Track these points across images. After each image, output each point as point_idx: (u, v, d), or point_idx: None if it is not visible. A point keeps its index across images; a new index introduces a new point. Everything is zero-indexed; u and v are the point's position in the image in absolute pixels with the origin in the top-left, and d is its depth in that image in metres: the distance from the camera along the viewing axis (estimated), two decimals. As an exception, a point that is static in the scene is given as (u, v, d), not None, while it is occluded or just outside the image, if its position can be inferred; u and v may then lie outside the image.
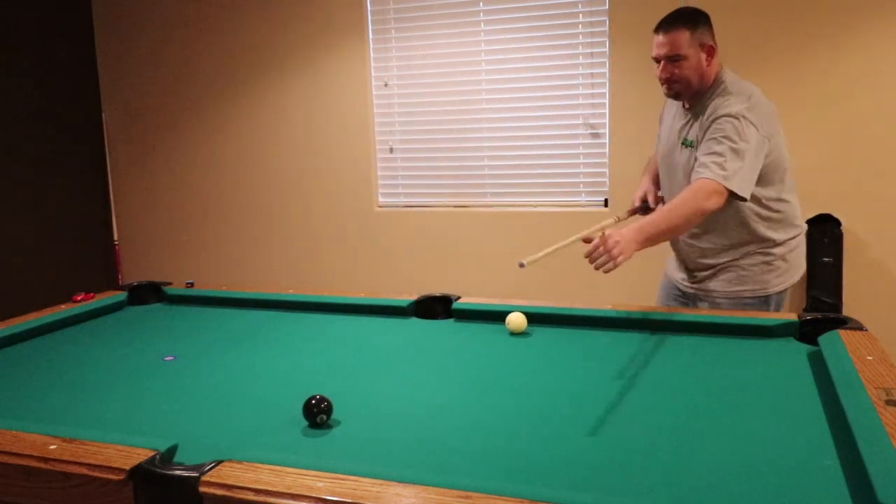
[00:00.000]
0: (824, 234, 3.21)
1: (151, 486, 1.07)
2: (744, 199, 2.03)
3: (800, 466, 1.11)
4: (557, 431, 1.27)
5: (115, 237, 4.47)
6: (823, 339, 1.65)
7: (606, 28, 3.42)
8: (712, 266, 2.25)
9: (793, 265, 2.24)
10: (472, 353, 1.76)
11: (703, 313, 1.93)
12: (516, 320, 1.90)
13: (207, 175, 4.29)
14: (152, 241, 4.48)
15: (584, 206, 3.62)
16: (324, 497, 0.98)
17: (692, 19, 2.12)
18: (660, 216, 2.01)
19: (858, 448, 1.08)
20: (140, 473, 1.07)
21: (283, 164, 4.11)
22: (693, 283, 2.31)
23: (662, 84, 2.18)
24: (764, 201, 2.14)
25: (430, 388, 1.52)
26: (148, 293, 2.38)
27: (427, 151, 3.85)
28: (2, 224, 3.91)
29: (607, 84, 3.46)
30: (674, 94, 2.19)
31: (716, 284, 2.24)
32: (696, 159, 2.11)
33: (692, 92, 2.16)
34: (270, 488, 1.01)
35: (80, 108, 4.33)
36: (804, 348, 1.70)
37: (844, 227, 3.21)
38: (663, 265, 2.49)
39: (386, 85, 3.86)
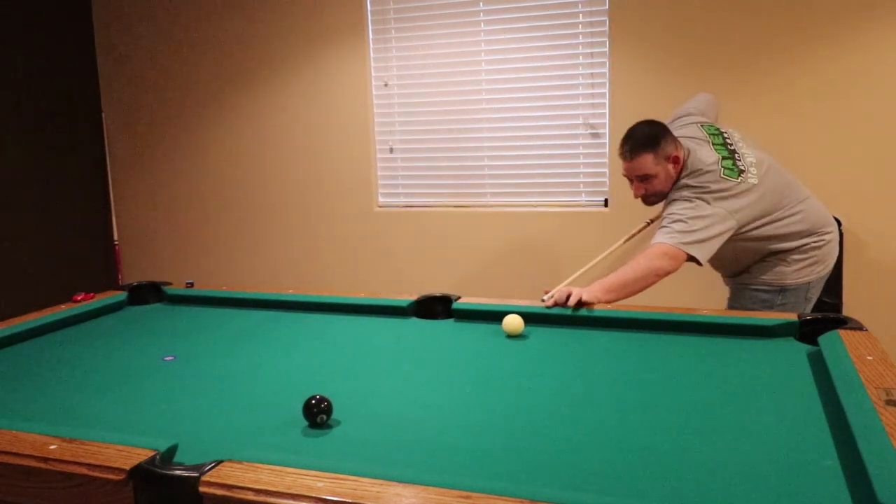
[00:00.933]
0: (824, 234, 3.21)
1: (151, 486, 1.07)
2: (699, 263, 2.18)
3: (800, 466, 1.11)
4: (557, 431, 1.28)
5: (115, 237, 4.47)
6: (823, 339, 1.65)
7: (606, 28, 3.42)
8: (738, 272, 2.43)
9: (818, 260, 2.33)
10: (472, 353, 1.76)
11: (703, 313, 1.93)
12: (513, 322, 1.88)
13: (207, 175, 4.29)
14: (152, 241, 4.48)
15: (584, 206, 3.62)
16: (324, 497, 0.98)
17: (652, 141, 2.24)
18: (615, 276, 2.16)
19: (858, 448, 1.08)
20: (140, 473, 1.07)
21: (283, 163, 4.11)
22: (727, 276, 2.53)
23: (637, 197, 2.35)
24: (760, 237, 2.27)
25: (430, 388, 1.52)
26: (148, 293, 2.38)
27: (427, 151, 3.85)
28: (2, 224, 3.91)
29: (607, 84, 3.46)
30: (650, 204, 2.37)
31: (738, 279, 2.42)
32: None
33: (666, 194, 2.31)
34: (270, 488, 1.01)
35: (80, 108, 4.34)
36: (804, 348, 1.70)
37: (844, 227, 3.21)
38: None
39: (386, 85, 3.86)
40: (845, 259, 3.22)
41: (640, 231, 2.54)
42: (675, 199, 2.23)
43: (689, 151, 2.28)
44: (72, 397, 1.51)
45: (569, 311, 1.99)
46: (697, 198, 2.19)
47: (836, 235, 2.38)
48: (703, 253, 2.15)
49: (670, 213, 2.20)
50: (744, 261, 2.35)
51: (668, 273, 2.14)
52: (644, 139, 2.24)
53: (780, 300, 2.29)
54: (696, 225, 2.14)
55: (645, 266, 2.12)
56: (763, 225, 2.24)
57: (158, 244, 4.47)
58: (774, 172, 2.29)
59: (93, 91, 4.40)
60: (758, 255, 2.31)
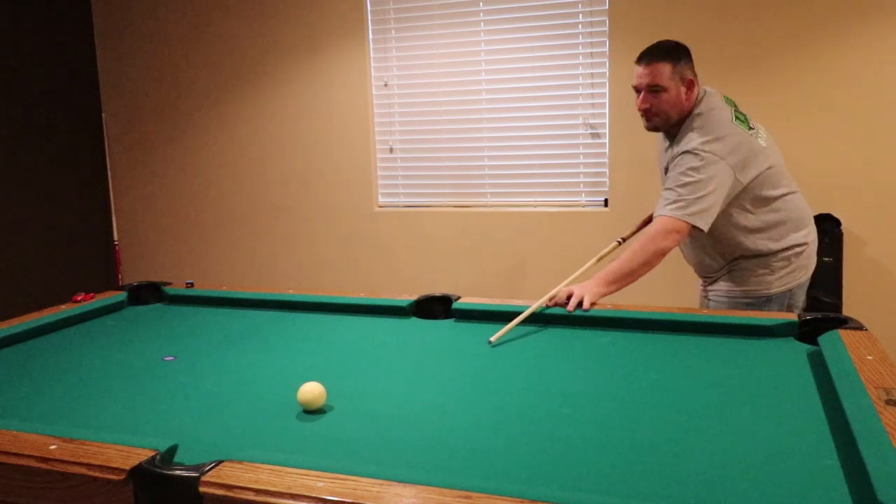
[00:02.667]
0: (824, 234, 3.20)
1: (151, 486, 1.07)
2: (702, 231, 2.11)
3: (800, 466, 1.11)
4: (557, 431, 1.27)
5: (115, 237, 4.47)
6: (823, 339, 1.65)
7: (606, 28, 3.43)
8: (715, 270, 2.33)
9: (798, 266, 2.27)
10: (472, 353, 1.76)
11: (703, 313, 1.93)
12: (308, 395, 1.39)
13: (207, 175, 4.29)
14: (152, 241, 4.48)
15: (584, 206, 3.62)
16: (324, 497, 0.98)
17: (675, 53, 2.17)
18: (619, 263, 2.11)
19: (858, 448, 1.08)
20: (140, 473, 1.07)
21: (283, 163, 4.11)
22: (704, 286, 2.41)
23: (642, 116, 2.24)
24: (746, 221, 2.19)
25: (430, 388, 1.52)
26: (148, 293, 2.38)
27: (427, 151, 3.85)
28: (2, 224, 3.91)
29: (607, 84, 3.46)
30: (651, 127, 2.25)
31: (718, 286, 2.32)
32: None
33: (670, 124, 2.23)
34: (270, 488, 1.01)
35: (80, 108, 4.34)
36: (804, 348, 1.70)
37: (844, 227, 3.21)
38: (664, 269, 2.51)
39: (386, 85, 3.86)
40: (845, 259, 3.23)
41: (610, 252, 2.40)
42: (685, 152, 2.13)
43: (704, 92, 2.22)
44: (72, 397, 1.51)
45: (568, 311, 1.99)
46: (707, 151, 2.10)
47: (815, 237, 2.33)
48: (707, 221, 2.09)
49: (678, 170, 2.12)
50: (729, 252, 2.26)
51: (672, 249, 2.11)
52: (666, 49, 2.17)
53: (765, 310, 2.24)
54: (702, 190, 2.07)
55: (651, 250, 2.08)
56: (758, 203, 2.17)
57: (158, 244, 4.47)
58: (777, 153, 2.27)
59: (93, 91, 4.40)
60: (742, 249, 2.23)
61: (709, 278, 2.37)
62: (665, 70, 2.14)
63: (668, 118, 2.20)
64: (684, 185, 2.10)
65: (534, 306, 1.98)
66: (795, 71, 3.19)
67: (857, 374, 1.37)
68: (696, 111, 2.20)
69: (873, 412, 1.18)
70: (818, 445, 1.18)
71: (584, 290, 2.04)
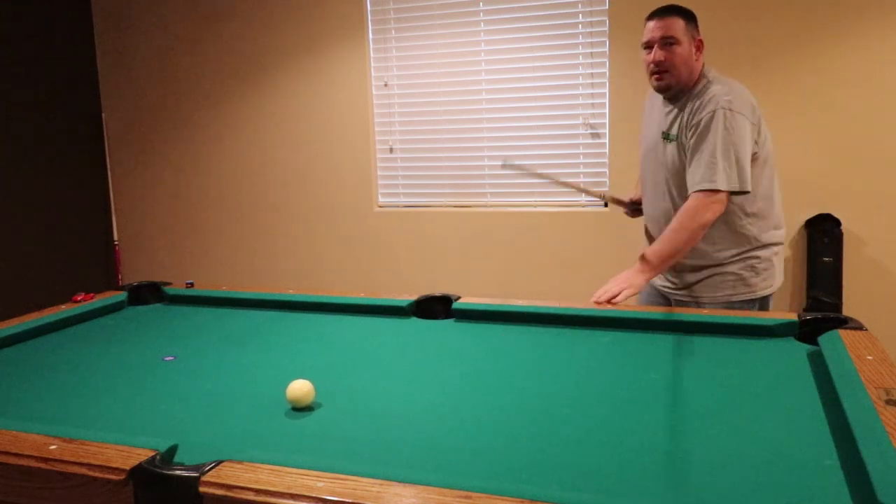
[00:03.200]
0: (824, 234, 3.21)
1: (151, 486, 1.07)
2: (746, 192, 2.07)
3: (800, 466, 1.11)
4: (558, 431, 1.27)
5: (115, 237, 4.47)
6: (823, 339, 1.65)
7: (606, 28, 3.43)
8: (699, 268, 2.24)
9: (776, 269, 2.25)
10: (472, 353, 1.76)
11: (703, 313, 1.93)
12: (297, 393, 1.41)
13: (207, 175, 4.29)
14: (152, 241, 4.48)
15: (584, 205, 3.62)
16: (324, 497, 0.98)
17: (686, 12, 2.18)
18: (662, 245, 2.08)
19: (858, 448, 1.08)
20: (140, 473, 1.07)
21: (283, 163, 4.11)
22: (679, 288, 2.31)
23: (653, 73, 2.17)
24: (744, 199, 2.15)
25: (430, 388, 1.52)
26: (148, 293, 2.38)
27: (427, 151, 3.85)
28: (2, 224, 3.91)
29: (607, 84, 3.46)
30: (663, 85, 2.18)
31: (703, 289, 2.24)
32: (683, 157, 2.14)
33: (681, 84, 2.17)
34: (270, 488, 1.01)
35: (80, 108, 4.34)
36: (804, 348, 1.70)
37: (844, 227, 3.21)
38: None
39: (386, 85, 3.86)
40: (845, 259, 3.23)
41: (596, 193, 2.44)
42: (715, 110, 2.06)
43: (705, 64, 2.22)
44: (72, 397, 1.51)
45: (569, 311, 1.98)
46: (735, 110, 2.05)
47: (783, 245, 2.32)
48: (747, 181, 2.05)
49: (711, 139, 2.05)
50: (720, 238, 2.19)
51: (714, 220, 2.08)
52: (679, 7, 2.17)
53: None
54: (737, 150, 2.02)
55: (695, 227, 2.05)
56: (756, 183, 2.14)
57: (158, 244, 4.47)
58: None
59: (93, 91, 4.40)
60: (728, 230, 2.18)
61: (687, 277, 2.27)
62: (679, 24, 2.13)
63: (679, 76, 2.14)
64: (714, 153, 2.04)
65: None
66: (795, 71, 3.19)
67: (857, 374, 1.37)
68: (707, 75, 2.17)
69: (873, 412, 1.18)
70: (818, 445, 1.18)
71: (626, 281, 2.03)
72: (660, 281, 2.37)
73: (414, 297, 2.13)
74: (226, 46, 4.10)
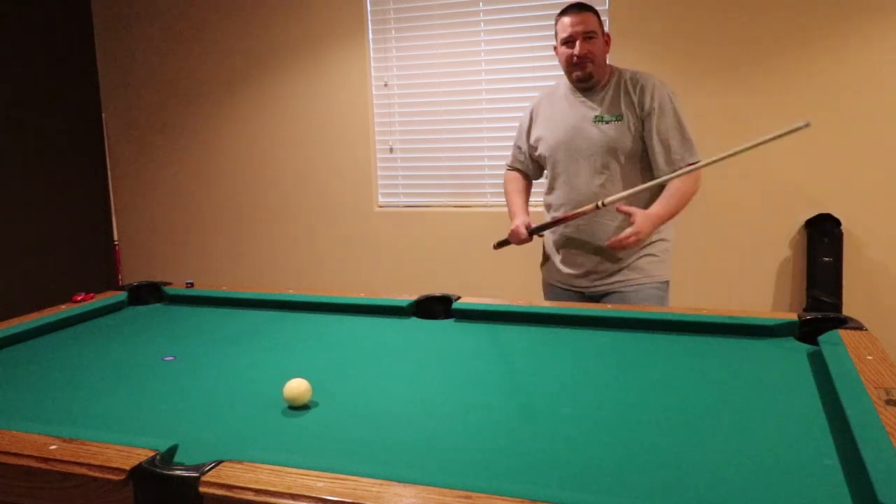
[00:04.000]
0: (824, 234, 3.21)
1: (151, 486, 1.07)
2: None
3: (800, 466, 1.11)
4: (558, 431, 1.27)
5: (115, 237, 4.47)
6: (823, 339, 1.65)
7: (606, 28, 3.42)
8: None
9: (670, 261, 2.41)
10: (472, 353, 1.76)
11: (703, 313, 1.93)
12: (293, 392, 1.42)
13: (207, 175, 4.29)
14: (152, 241, 4.48)
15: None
16: (324, 497, 0.98)
17: (594, 8, 2.34)
18: (665, 207, 2.24)
19: (858, 448, 1.08)
20: (140, 473, 1.07)
21: (283, 163, 4.11)
22: (599, 278, 2.36)
23: (576, 65, 2.31)
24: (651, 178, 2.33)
25: (430, 388, 1.52)
26: (148, 293, 2.38)
27: (427, 151, 3.85)
28: (2, 224, 3.91)
29: (607, 84, 3.46)
30: (587, 74, 2.31)
31: (631, 273, 2.34)
32: (630, 132, 2.28)
33: (600, 74, 2.33)
34: (270, 488, 1.01)
35: (80, 108, 4.34)
36: (804, 348, 1.70)
37: (844, 227, 3.21)
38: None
39: (386, 85, 3.86)
40: (845, 259, 3.23)
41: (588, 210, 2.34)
42: (667, 94, 2.29)
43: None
44: (72, 397, 1.51)
45: (569, 311, 1.99)
46: (673, 91, 2.31)
47: None
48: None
49: (674, 119, 2.27)
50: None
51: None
52: (587, 4, 2.34)
53: (667, 297, 2.38)
54: (689, 133, 2.29)
55: (691, 193, 2.27)
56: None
57: (158, 244, 4.47)
58: None
59: (93, 91, 4.40)
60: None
61: (608, 266, 2.35)
62: (594, 19, 2.31)
63: (600, 66, 2.32)
64: (683, 133, 2.27)
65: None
66: (796, 70, 3.19)
67: (857, 374, 1.37)
68: (616, 66, 2.37)
69: (873, 412, 1.18)
70: (818, 445, 1.18)
71: (643, 233, 2.16)
72: (578, 278, 2.41)
73: (414, 297, 2.13)
74: (226, 46, 4.10)
